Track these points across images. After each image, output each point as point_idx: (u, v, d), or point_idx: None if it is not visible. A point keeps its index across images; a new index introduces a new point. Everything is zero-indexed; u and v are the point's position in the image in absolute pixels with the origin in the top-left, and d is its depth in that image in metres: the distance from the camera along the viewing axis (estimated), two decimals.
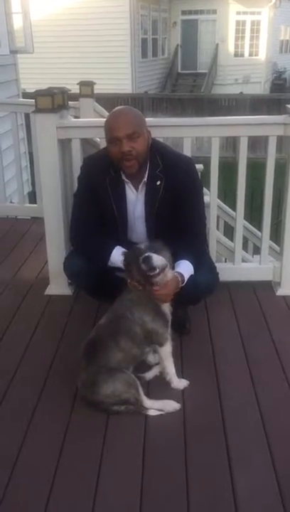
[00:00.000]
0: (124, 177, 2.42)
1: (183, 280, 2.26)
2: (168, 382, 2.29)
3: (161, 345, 2.20)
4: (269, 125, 3.00)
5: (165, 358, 2.24)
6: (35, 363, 2.53)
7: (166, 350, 2.22)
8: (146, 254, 2.06)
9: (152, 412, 2.13)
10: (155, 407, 2.14)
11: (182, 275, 2.26)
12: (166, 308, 2.22)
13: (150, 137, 2.38)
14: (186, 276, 2.28)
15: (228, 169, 3.66)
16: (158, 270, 2.07)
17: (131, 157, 2.29)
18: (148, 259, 2.05)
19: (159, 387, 2.27)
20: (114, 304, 2.25)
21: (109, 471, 1.89)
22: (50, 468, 1.91)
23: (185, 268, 2.30)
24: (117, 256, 2.32)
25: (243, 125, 3.04)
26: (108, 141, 2.34)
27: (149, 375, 2.32)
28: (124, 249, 2.32)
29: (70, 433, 2.07)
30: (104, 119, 2.45)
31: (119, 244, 2.38)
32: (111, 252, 2.35)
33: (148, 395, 2.19)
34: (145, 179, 2.42)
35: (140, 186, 2.44)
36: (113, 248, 2.36)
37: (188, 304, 2.69)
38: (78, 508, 1.75)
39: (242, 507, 1.74)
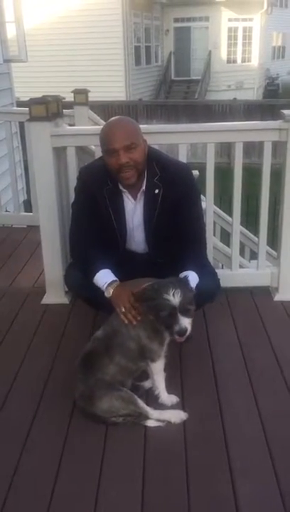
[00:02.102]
0: (121, 187, 2.41)
1: None
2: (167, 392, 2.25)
3: (153, 361, 2.16)
4: (264, 131, 3.00)
5: (155, 373, 2.20)
6: (33, 373, 2.51)
7: (158, 366, 2.18)
8: (183, 326, 1.94)
9: (151, 423, 2.10)
10: (161, 418, 2.12)
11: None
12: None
13: (146, 146, 2.37)
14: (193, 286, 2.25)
15: (223, 175, 3.65)
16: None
17: (128, 168, 2.27)
18: (182, 331, 1.95)
19: (158, 397, 2.23)
20: (111, 315, 2.21)
21: (109, 481, 1.87)
22: (49, 479, 1.88)
23: (193, 280, 2.24)
24: (100, 280, 2.29)
25: (238, 131, 3.04)
26: (104, 152, 2.32)
27: (148, 383, 2.29)
28: (110, 275, 2.28)
29: (69, 443, 2.05)
30: (99, 127, 2.44)
31: (110, 267, 2.33)
32: (95, 274, 2.31)
33: (148, 404, 2.16)
34: (143, 188, 2.40)
35: (138, 195, 2.43)
36: (99, 270, 2.31)
37: None
38: None
39: None
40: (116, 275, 2.32)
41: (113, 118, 2.42)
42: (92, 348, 2.17)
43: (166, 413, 2.15)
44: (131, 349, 2.12)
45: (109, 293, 2.25)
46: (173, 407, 2.20)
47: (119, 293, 2.22)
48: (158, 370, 2.19)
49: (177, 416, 2.14)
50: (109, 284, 2.27)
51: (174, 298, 1.94)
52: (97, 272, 2.32)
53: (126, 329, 2.11)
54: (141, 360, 2.17)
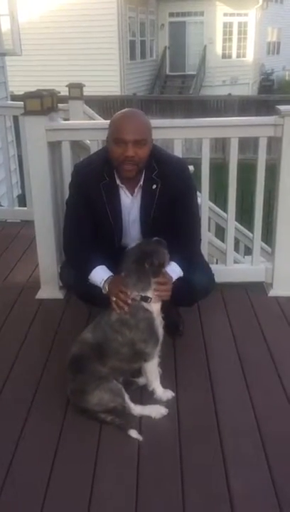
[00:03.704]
0: (118, 181, 2.40)
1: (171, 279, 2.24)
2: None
3: (146, 361, 2.17)
4: (259, 126, 3.00)
5: (148, 372, 2.20)
6: (28, 368, 2.51)
7: (151, 365, 2.18)
8: (157, 238, 2.15)
9: (133, 434, 2.04)
10: (142, 413, 2.13)
11: (170, 276, 2.24)
12: (159, 327, 2.16)
13: (151, 146, 2.35)
14: (173, 277, 2.26)
15: (218, 170, 3.65)
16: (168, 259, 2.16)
17: (131, 162, 2.26)
18: (161, 253, 2.12)
19: (153, 392, 2.24)
20: (102, 318, 2.18)
21: (103, 476, 1.87)
22: (44, 475, 1.88)
23: (171, 269, 2.27)
24: (97, 277, 2.28)
25: (234, 126, 3.04)
26: (113, 140, 2.28)
27: (143, 380, 2.29)
28: (105, 272, 2.28)
29: (64, 438, 2.05)
30: (94, 121, 2.43)
31: (105, 263, 2.32)
32: (91, 271, 2.31)
33: (141, 400, 2.18)
34: (141, 183, 2.39)
35: (136, 190, 2.42)
36: (94, 267, 2.31)
37: (183, 306, 2.69)
38: None
39: (238, 510, 1.72)
40: (111, 271, 2.31)
41: (129, 109, 2.41)
42: (81, 352, 2.14)
43: (147, 409, 2.16)
44: (124, 353, 2.11)
45: (105, 289, 2.24)
46: (162, 402, 2.20)
47: (111, 285, 2.22)
48: (151, 369, 2.20)
49: (157, 411, 2.15)
50: (106, 281, 2.26)
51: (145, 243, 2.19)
52: (93, 268, 2.31)
53: (121, 337, 2.10)
54: (135, 362, 2.17)
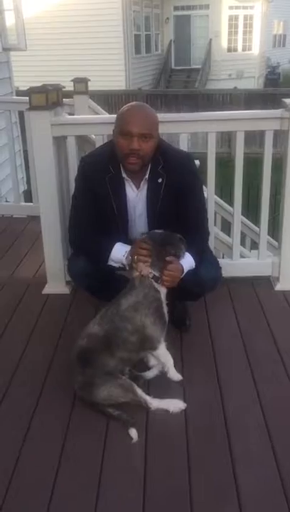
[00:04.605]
0: (124, 175, 2.39)
1: (182, 271, 2.25)
2: (168, 381, 2.25)
3: (156, 348, 2.17)
4: (265, 119, 2.98)
5: (161, 355, 2.20)
6: (34, 363, 2.51)
7: (161, 351, 2.19)
8: (180, 236, 2.22)
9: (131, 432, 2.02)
10: (160, 406, 2.12)
11: (182, 266, 2.25)
12: (166, 311, 2.19)
13: (157, 142, 2.35)
14: (186, 268, 2.27)
15: (223, 165, 3.64)
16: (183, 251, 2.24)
17: (136, 156, 2.26)
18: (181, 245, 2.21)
19: (160, 387, 2.25)
20: (108, 310, 2.18)
21: (110, 471, 1.88)
22: (50, 471, 1.89)
23: (186, 259, 2.28)
24: (118, 251, 2.29)
25: (240, 120, 3.03)
26: (119, 132, 2.28)
27: (149, 374, 2.30)
28: (124, 246, 2.30)
29: (71, 434, 2.06)
30: (99, 116, 2.42)
31: (120, 241, 2.34)
32: (111, 249, 2.32)
33: (148, 395, 2.16)
34: (146, 177, 2.39)
35: (141, 184, 2.41)
36: (113, 245, 2.33)
37: (190, 300, 2.69)
38: None
39: (245, 506, 1.72)
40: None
41: (137, 102, 2.42)
42: (89, 345, 2.14)
43: (165, 402, 2.14)
44: (133, 343, 2.12)
45: (129, 260, 2.25)
46: (173, 393, 2.20)
47: (133, 246, 2.25)
48: (163, 352, 2.20)
49: (176, 405, 2.14)
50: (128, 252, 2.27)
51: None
52: (113, 247, 2.32)
53: (130, 324, 2.10)
54: (143, 350, 2.18)
